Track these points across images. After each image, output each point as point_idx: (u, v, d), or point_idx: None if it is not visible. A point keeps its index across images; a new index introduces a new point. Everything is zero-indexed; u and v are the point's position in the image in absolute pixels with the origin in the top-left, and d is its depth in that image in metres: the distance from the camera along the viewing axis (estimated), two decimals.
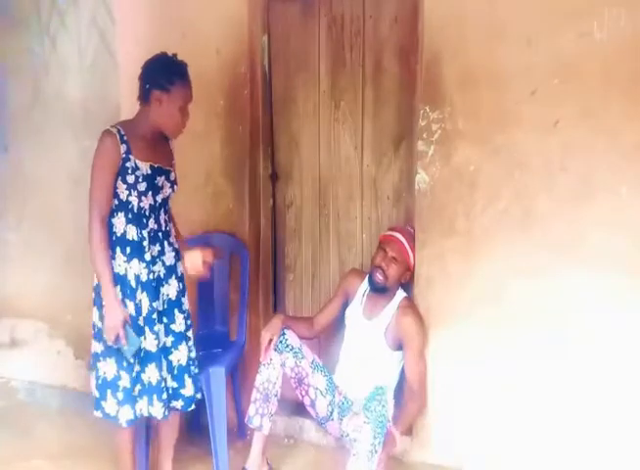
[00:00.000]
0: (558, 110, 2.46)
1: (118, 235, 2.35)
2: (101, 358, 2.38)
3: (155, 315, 2.39)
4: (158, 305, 2.40)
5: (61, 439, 3.06)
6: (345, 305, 2.90)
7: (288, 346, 2.65)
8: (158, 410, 2.40)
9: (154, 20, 3.11)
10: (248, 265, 3.03)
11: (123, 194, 2.33)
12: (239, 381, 3.02)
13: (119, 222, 2.35)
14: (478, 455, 2.74)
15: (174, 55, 2.39)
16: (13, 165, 3.62)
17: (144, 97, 2.38)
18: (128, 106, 3.20)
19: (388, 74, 2.92)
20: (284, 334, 2.66)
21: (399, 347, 2.74)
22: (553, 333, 2.57)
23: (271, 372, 2.62)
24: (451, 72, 2.59)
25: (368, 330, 2.78)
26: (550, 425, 2.61)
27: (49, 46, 3.41)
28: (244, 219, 3.09)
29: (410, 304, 2.77)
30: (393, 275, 2.71)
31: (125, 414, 2.37)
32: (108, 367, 2.36)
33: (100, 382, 2.38)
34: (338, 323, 2.96)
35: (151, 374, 2.38)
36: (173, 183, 2.48)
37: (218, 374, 2.69)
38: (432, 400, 2.78)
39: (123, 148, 2.31)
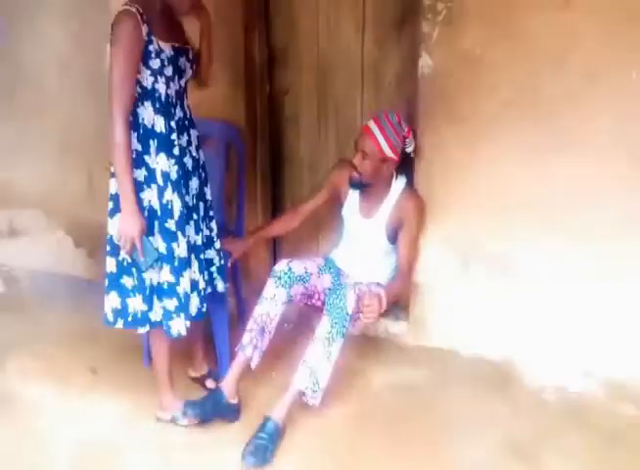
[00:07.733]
0: None
1: (149, 127, 2.12)
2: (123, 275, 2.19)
3: (185, 215, 2.22)
4: (188, 200, 2.24)
5: (63, 324, 3.12)
6: (336, 198, 2.80)
7: (297, 277, 2.57)
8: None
9: None
10: (245, 155, 2.97)
11: (147, 81, 2.07)
12: (239, 270, 3.05)
13: (147, 113, 2.10)
14: (473, 338, 2.81)
15: None
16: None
17: None
18: None
19: None
20: (290, 269, 2.56)
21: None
22: (554, 222, 2.57)
23: (272, 308, 2.52)
24: None
25: (368, 229, 2.71)
26: (547, 306, 2.67)
27: None
28: (239, 106, 2.99)
29: (413, 191, 2.70)
30: (366, 170, 2.55)
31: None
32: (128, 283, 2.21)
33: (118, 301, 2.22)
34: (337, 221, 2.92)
35: (185, 284, 2.22)
36: (192, 63, 2.23)
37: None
38: (427, 285, 2.83)
39: (145, 29, 2.01)
